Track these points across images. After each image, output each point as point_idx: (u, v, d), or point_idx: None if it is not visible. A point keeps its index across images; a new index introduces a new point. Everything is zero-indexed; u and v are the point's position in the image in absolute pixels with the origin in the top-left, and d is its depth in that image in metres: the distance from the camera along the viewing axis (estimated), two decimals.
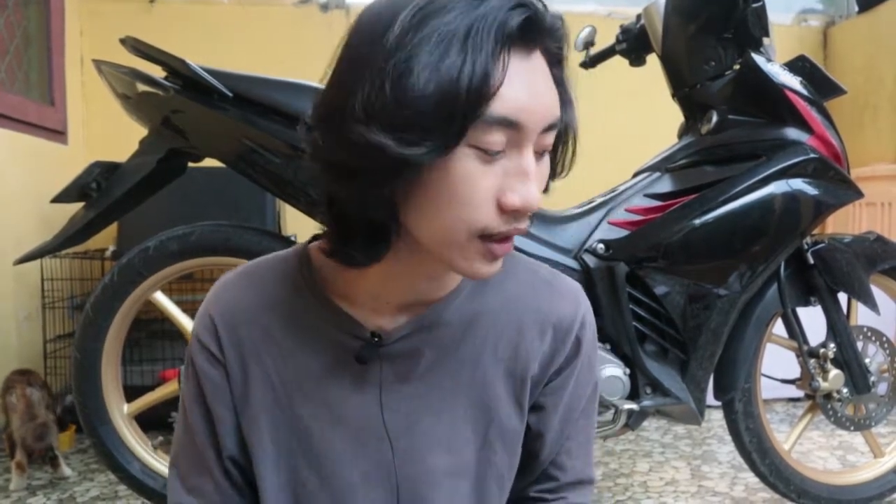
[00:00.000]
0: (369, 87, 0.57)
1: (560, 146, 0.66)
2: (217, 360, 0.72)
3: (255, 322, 0.72)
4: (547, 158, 0.64)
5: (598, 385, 0.83)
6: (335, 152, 0.60)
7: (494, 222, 0.60)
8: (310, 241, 0.74)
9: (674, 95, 1.76)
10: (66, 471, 2.08)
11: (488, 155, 0.58)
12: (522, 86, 0.58)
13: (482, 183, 0.59)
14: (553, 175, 0.68)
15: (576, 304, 0.77)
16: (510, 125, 0.58)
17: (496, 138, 0.58)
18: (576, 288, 0.79)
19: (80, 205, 1.65)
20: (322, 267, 0.72)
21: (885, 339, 1.79)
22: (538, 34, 0.59)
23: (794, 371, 1.79)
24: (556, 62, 0.63)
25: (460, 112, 0.56)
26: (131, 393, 1.72)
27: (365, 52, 0.58)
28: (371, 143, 0.56)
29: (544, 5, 0.61)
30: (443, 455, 0.73)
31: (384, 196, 0.61)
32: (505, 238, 0.62)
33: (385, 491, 0.73)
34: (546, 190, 0.68)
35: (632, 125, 3.24)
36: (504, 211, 0.60)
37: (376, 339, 0.71)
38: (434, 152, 0.57)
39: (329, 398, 0.72)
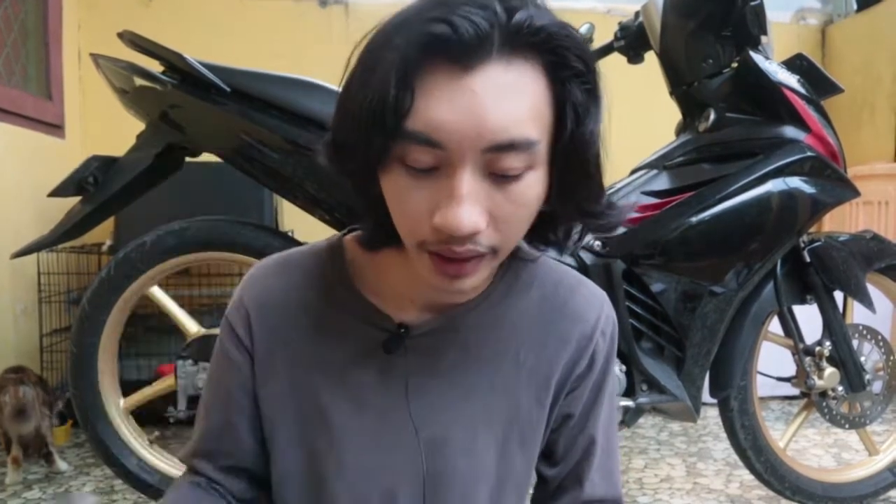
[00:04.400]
0: (335, 111, 0.63)
1: (570, 162, 0.61)
2: (243, 345, 0.74)
3: (285, 309, 0.73)
4: (526, 180, 0.59)
5: (614, 400, 0.82)
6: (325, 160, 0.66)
7: (429, 237, 0.60)
8: (345, 234, 0.76)
9: (671, 93, 1.76)
10: (62, 465, 2.08)
11: (416, 171, 0.58)
12: (445, 103, 0.55)
13: (412, 197, 0.59)
14: (576, 194, 0.63)
15: (599, 311, 0.77)
16: (431, 144, 0.56)
17: (419, 156, 0.57)
18: (600, 296, 0.78)
19: (77, 199, 1.64)
20: (354, 260, 0.74)
21: (880, 337, 1.79)
22: (469, 47, 0.54)
23: (790, 369, 1.79)
24: (555, 73, 0.58)
25: (366, 132, 0.57)
26: (128, 387, 1.72)
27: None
28: (327, 160, 0.64)
29: (510, 11, 0.55)
30: (461, 457, 0.73)
31: (369, 194, 0.65)
32: (454, 259, 0.60)
33: (411, 479, 0.73)
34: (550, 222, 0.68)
35: (629, 122, 3.23)
36: (436, 228, 0.58)
37: (403, 331, 0.72)
38: (364, 168, 0.61)
39: (354, 387, 0.72)
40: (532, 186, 0.60)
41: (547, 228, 0.69)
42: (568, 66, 0.58)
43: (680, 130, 1.79)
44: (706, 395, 1.72)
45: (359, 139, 0.58)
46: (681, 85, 1.71)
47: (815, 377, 1.72)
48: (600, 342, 0.77)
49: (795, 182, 1.60)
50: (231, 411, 0.75)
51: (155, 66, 1.56)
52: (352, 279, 0.73)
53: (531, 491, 0.83)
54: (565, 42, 0.57)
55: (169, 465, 1.66)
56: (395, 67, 0.55)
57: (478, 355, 0.73)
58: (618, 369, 1.60)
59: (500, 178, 0.58)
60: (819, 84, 1.68)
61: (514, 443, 0.75)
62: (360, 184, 0.64)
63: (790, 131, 1.63)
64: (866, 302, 1.71)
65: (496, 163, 0.57)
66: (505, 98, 0.56)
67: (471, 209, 0.57)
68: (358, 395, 0.73)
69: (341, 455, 0.72)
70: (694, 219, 1.58)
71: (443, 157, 0.57)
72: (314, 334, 0.73)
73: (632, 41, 1.82)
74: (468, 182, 0.57)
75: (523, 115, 0.56)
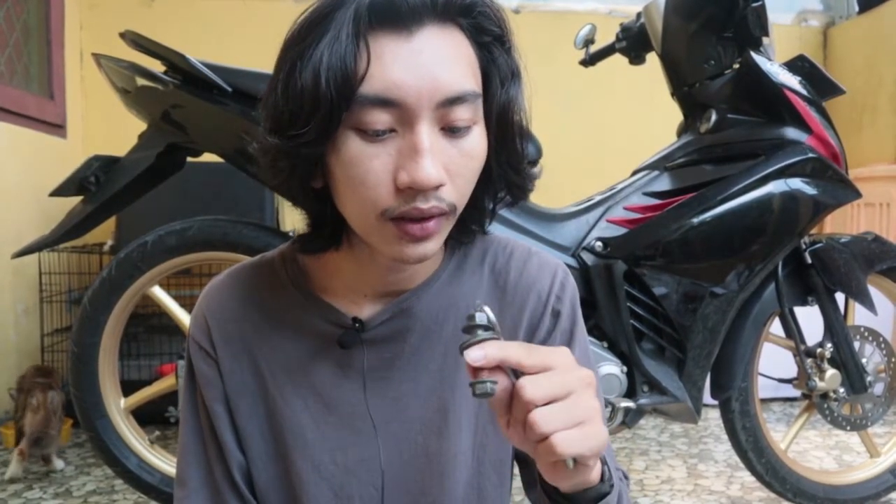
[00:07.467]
0: (269, 93, 0.63)
1: (499, 124, 0.66)
2: (210, 357, 0.74)
3: (243, 319, 0.74)
4: (474, 134, 0.63)
5: (591, 368, 0.80)
6: (261, 155, 0.65)
7: (393, 202, 0.61)
8: (295, 241, 0.76)
9: (673, 94, 1.76)
10: (59, 464, 2.08)
11: (372, 135, 0.60)
12: (398, 64, 0.59)
13: (372, 164, 0.61)
14: (506, 155, 0.68)
15: (552, 276, 0.77)
16: (388, 104, 0.59)
17: (376, 118, 0.59)
18: (553, 262, 0.78)
19: (78, 199, 1.65)
20: (306, 264, 0.75)
21: (881, 339, 1.79)
22: (412, 12, 0.59)
23: (791, 371, 1.79)
24: (478, 37, 0.63)
25: (328, 99, 0.58)
26: (128, 387, 1.72)
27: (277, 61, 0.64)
28: (270, 145, 0.63)
29: None
30: (434, 440, 0.74)
31: (309, 188, 0.66)
32: (420, 219, 0.62)
33: (372, 477, 0.73)
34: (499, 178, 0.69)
35: (631, 123, 3.25)
36: (400, 190, 0.61)
37: (357, 325, 0.72)
38: (315, 142, 0.61)
39: (318, 386, 0.73)
40: (479, 140, 0.64)
41: (483, 195, 0.70)
42: (487, 30, 0.63)
43: (681, 131, 1.79)
44: (707, 397, 1.72)
45: (313, 112, 0.59)
46: (682, 86, 1.71)
47: (817, 379, 1.72)
48: (557, 306, 0.76)
49: (797, 183, 1.60)
50: (217, 428, 0.74)
51: (157, 66, 1.56)
52: (305, 281, 0.74)
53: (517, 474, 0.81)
54: (483, 9, 0.63)
55: (169, 464, 1.66)
56: (350, 35, 0.58)
57: (440, 335, 0.74)
58: (618, 370, 1.60)
59: (451, 132, 0.62)
60: (820, 85, 1.68)
61: (487, 420, 0.75)
62: (301, 175, 0.65)
63: (791, 132, 1.63)
64: (867, 303, 1.71)
65: (447, 116, 0.61)
66: (447, 57, 0.61)
67: (434, 161, 0.60)
68: (321, 395, 0.73)
69: (316, 459, 0.73)
70: (695, 220, 1.58)
71: (399, 117, 0.60)
72: (273, 338, 0.74)
73: (633, 42, 1.82)
74: (428, 136, 0.60)
75: (465, 71, 0.62)
